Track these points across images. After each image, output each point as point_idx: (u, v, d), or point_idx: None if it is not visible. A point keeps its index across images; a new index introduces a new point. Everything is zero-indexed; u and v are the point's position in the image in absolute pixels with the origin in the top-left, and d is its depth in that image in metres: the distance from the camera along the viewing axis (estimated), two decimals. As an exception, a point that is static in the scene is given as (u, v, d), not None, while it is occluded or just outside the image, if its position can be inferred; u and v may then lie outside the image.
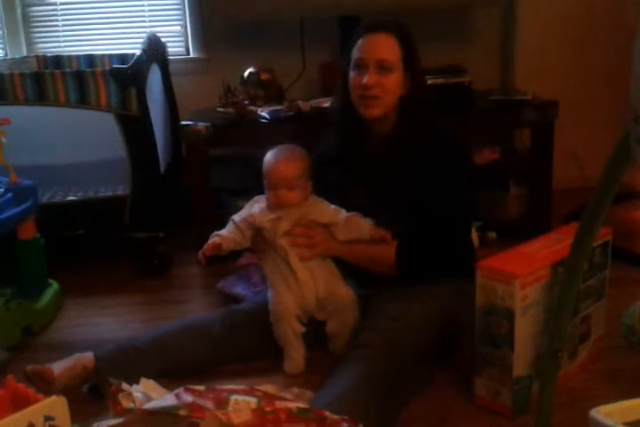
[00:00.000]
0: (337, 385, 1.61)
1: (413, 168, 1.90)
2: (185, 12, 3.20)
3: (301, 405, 1.39)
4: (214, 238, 1.90)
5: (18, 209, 2.15)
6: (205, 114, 2.79)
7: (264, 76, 2.90)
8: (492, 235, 2.74)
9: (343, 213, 1.92)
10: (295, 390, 1.67)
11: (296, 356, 1.89)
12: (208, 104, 2.88)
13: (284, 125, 2.66)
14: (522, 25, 3.24)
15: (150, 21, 3.22)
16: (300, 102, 2.72)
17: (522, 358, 1.62)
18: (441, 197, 1.90)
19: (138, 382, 1.58)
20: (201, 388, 1.37)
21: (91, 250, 2.71)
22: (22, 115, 2.37)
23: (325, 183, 2.00)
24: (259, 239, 1.93)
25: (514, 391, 1.63)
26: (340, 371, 1.67)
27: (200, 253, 1.88)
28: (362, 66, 1.88)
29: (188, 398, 1.33)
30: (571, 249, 1.15)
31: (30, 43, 3.20)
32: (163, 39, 2.96)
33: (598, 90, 3.31)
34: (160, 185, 2.67)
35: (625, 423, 1.21)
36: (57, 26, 3.20)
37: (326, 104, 2.78)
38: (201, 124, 2.63)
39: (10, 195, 2.14)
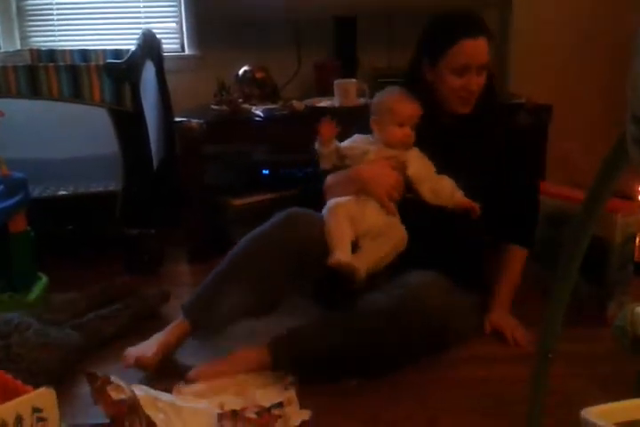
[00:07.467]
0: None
1: (490, 146, 2.05)
2: (181, 8, 3.20)
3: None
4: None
5: (9, 202, 2.14)
6: (199, 111, 2.78)
7: (259, 75, 2.90)
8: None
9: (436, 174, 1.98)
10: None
11: (344, 245, 1.85)
12: (202, 101, 2.87)
13: (277, 124, 2.66)
14: (516, 29, 3.25)
15: (146, 17, 3.21)
16: (294, 101, 2.72)
17: None
18: (522, 176, 2.11)
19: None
20: None
21: (81, 245, 2.69)
22: (15, 108, 2.35)
23: None
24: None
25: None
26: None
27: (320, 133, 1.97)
28: (466, 71, 1.97)
29: None
30: (563, 253, 1.14)
31: (24, 36, 3.18)
32: (158, 36, 2.95)
33: (593, 94, 3.32)
34: (152, 181, 2.65)
35: (616, 424, 1.21)
36: (52, 20, 3.18)
37: (320, 104, 2.79)
38: (195, 121, 2.63)
39: (1, 187, 2.13)
